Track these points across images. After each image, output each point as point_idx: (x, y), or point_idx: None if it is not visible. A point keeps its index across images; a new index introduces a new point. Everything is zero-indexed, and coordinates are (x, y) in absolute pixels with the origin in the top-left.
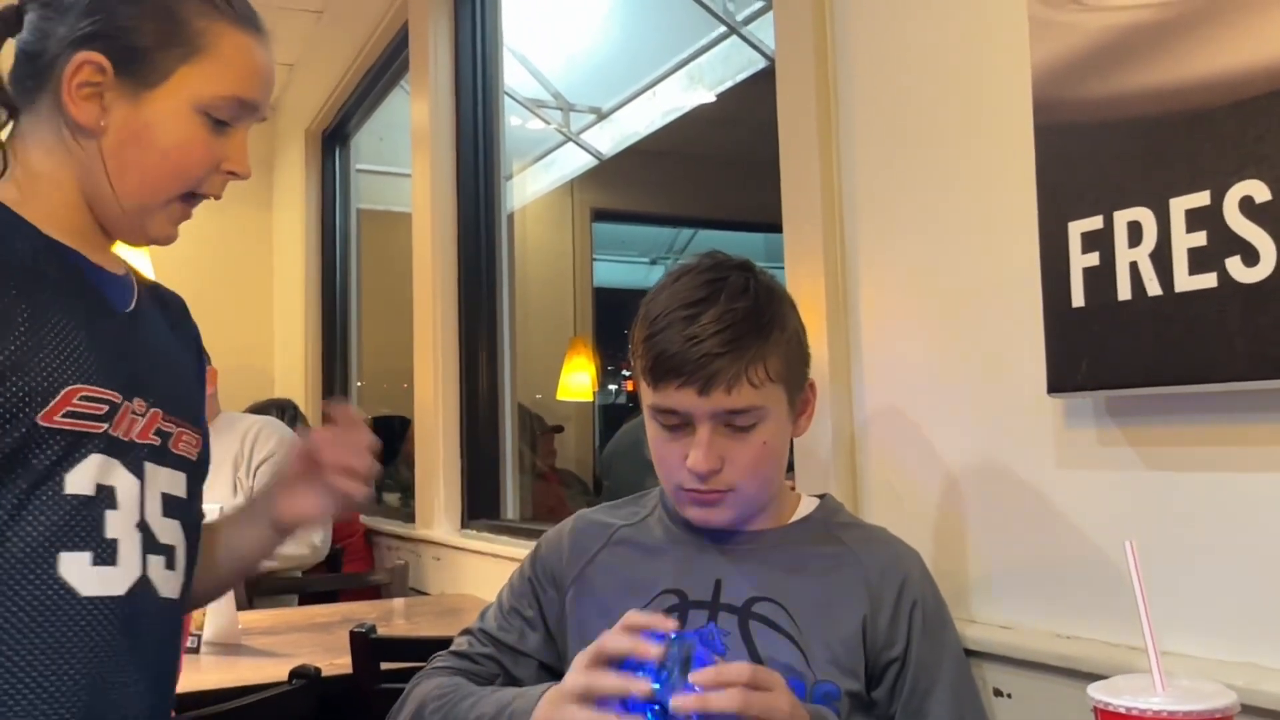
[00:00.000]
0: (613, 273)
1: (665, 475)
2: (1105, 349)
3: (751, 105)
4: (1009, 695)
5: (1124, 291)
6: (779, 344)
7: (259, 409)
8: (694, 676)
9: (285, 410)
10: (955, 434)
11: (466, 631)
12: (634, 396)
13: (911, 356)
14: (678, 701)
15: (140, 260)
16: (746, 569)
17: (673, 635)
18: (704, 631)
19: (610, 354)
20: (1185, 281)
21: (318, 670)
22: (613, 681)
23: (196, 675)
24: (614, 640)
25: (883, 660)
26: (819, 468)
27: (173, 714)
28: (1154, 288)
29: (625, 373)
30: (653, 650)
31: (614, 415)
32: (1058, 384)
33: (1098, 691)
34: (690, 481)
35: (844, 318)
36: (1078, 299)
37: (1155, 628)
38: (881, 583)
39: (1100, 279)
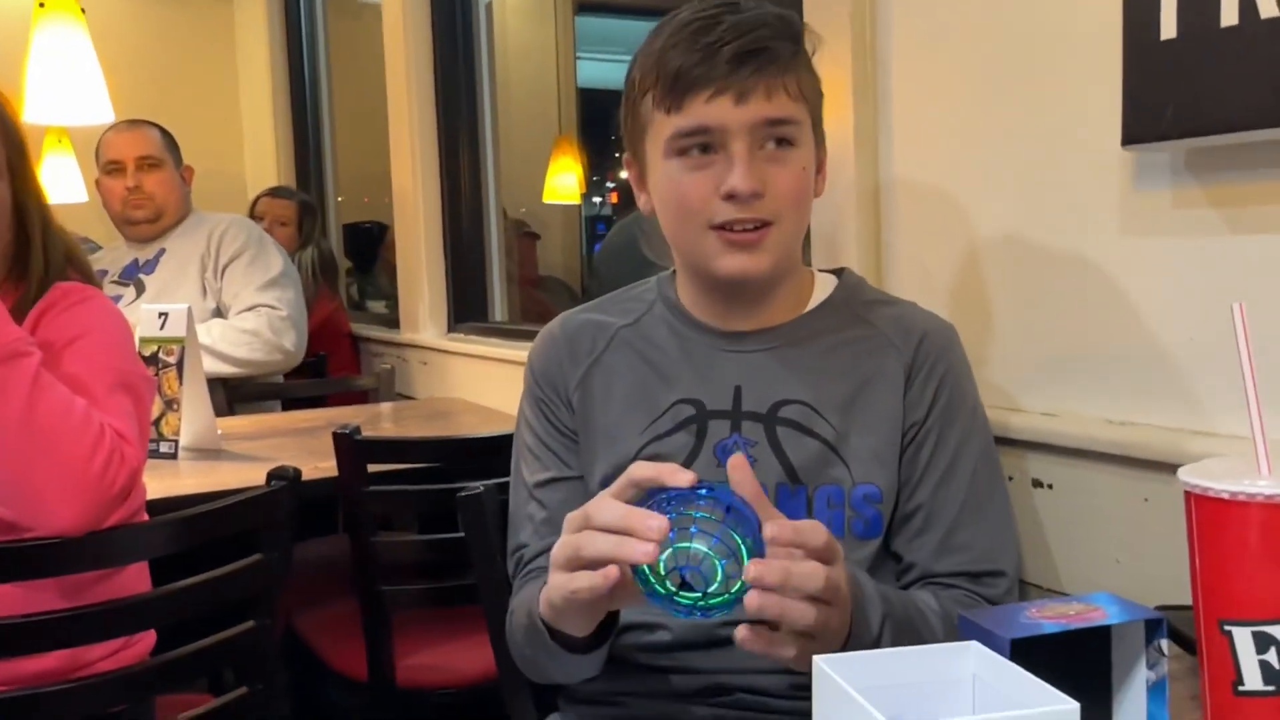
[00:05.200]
0: (597, 71)
1: (691, 217)
2: (1201, 89)
3: None
4: (1050, 486)
5: (1229, 15)
6: (807, 64)
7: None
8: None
9: (308, 206)
10: (998, 197)
11: (519, 546)
12: (619, 208)
13: (950, 109)
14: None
15: (92, 69)
16: (768, 369)
17: (701, 491)
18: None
19: (596, 161)
20: None
21: (298, 472)
22: (604, 544)
23: (174, 480)
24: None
25: (908, 436)
26: (836, 240)
27: (146, 517)
28: (1270, 8)
29: (610, 184)
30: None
31: (599, 225)
32: (1135, 134)
33: (1191, 475)
34: (725, 214)
35: (870, 63)
36: (1168, 29)
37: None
38: (914, 359)
39: (1199, 1)
